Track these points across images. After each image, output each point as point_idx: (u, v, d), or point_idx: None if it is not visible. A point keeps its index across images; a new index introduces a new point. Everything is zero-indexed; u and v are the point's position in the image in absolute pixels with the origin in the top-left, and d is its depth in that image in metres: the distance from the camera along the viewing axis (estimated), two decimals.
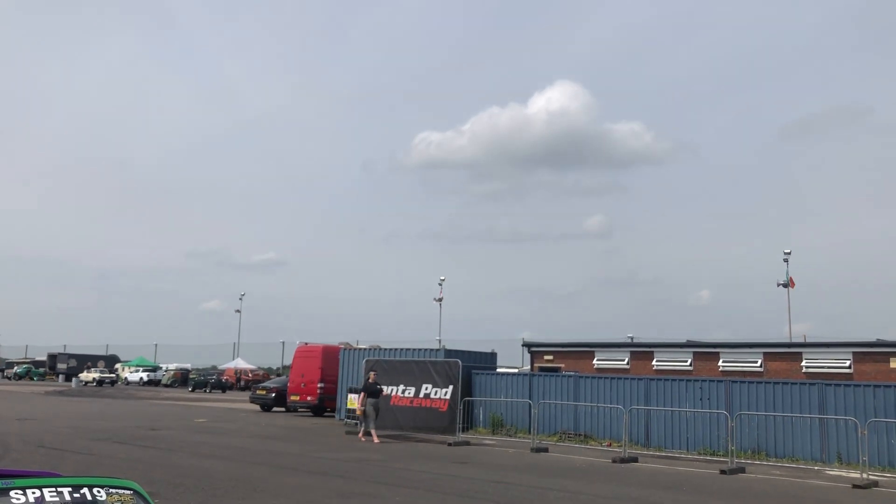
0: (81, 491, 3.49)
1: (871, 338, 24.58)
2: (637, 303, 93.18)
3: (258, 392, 33.75)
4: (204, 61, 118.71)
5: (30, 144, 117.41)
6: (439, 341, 47.38)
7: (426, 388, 21.79)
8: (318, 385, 29.63)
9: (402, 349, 26.62)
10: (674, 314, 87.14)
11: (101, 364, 70.22)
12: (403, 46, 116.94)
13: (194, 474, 12.44)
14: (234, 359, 69.41)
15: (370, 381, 20.78)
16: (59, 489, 3.43)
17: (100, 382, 58.10)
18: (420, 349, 26.19)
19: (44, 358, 73.41)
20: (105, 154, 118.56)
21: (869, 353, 23.35)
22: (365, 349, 29.58)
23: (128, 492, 3.66)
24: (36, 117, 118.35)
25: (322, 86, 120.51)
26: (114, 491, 3.61)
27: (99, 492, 3.55)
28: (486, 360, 26.85)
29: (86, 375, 60.47)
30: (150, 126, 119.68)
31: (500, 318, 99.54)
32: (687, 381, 21.36)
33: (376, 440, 19.59)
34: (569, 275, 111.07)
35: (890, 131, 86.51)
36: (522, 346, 30.85)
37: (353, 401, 23.91)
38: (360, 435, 20.36)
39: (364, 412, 20.23)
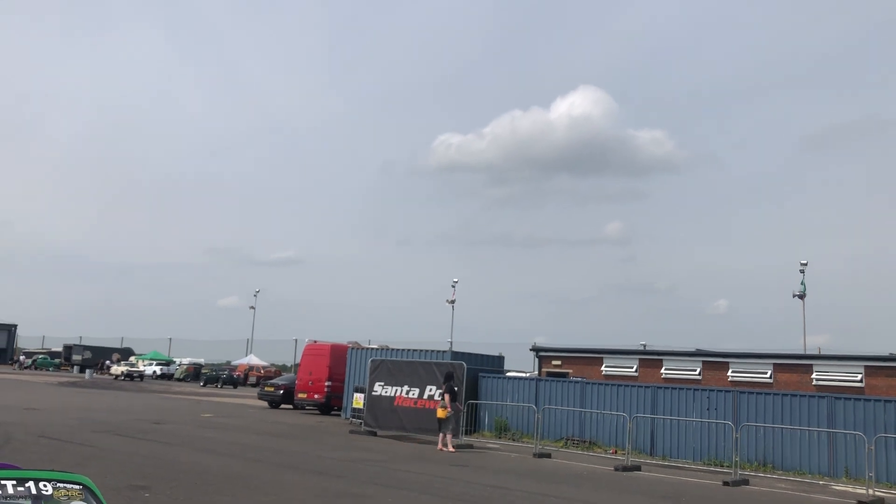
0: (27, 484, 3.45)
1: (885, 352, 24.24)
2: (653, 311, 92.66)
3: (266, 389, 33.80)
4: (226, 60, 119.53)
5: (52, 140, 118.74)
6: (450, 343, 47.33)
7: (430, 390, 21.67)
8: (326, 383, 29.62)
9: (408, 350, 26.56)
10: (690, 323, 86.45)
11: (115, 356, 70.76)
12: (427, 48, 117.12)
13: (190, 469, 12.43)
14: (247, 355, 69.73)
15: (453, 381, 20.15)
16: (2, 482, 3.38)
17: (129, 376, 57.14)
18: (427, 350, 26.12)
19: (60, 349, 74.17)
20: (127, 150, 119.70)
21: (881, 368, 22.99)
22: (374, 349, 29.56)
23: (76, 486, 3.61)
24: (58, 114, 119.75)
25: (344, 86, 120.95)
26: (61, 485, 3.56)
27: (45, 485, 3.51)
28: (494, 364, 26.73)
29: (115, 369, 59.90)
30: (171, 123, 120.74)
31: (515, 323, 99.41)
32: (694, 390, 21.12)
33: (451, 448, 18.71)
34: (585, 281, 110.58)
35: None
36: (531, 350, 30.72)
37: (359, 400, 23.87)
38: (449, 444, 18.92)
39: (447, 417, 19.16)
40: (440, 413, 19.39)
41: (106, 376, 61.62)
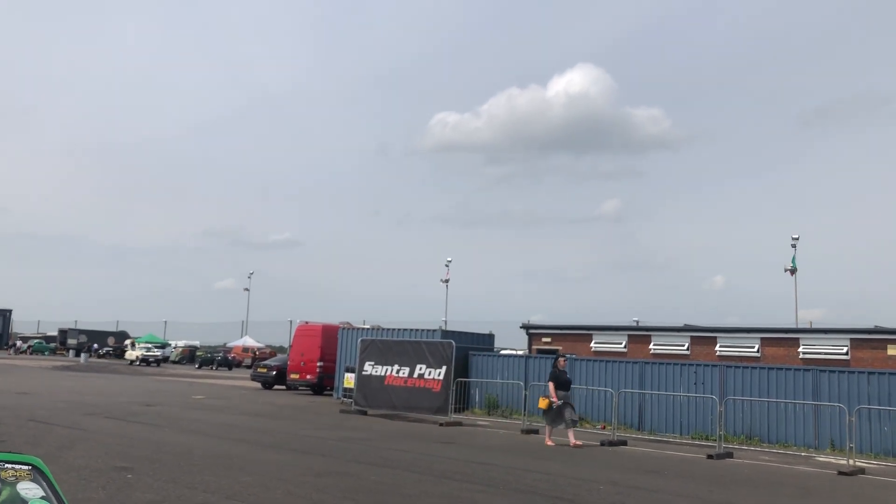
0: None
1: (872, 325, 24.41)
2: (650, 288, 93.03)
3: (259, 370, 33.97)
4: (221, 40, 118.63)
5: (47, 122, 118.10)
6: (444, 322, 47.53)
7: (420, 369, 21.78)
8: (318, 364, 29.79)
9: (399, 329, 26.64)
10: (687, 299, 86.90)
11: (111, 340, 70.86)
12: (424, 26, 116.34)
13: (175, 450, 12.51)
14: (242, 337, 69.92)
15: (560, 367, 17.62)
16: None
17: (145, 360, 54.88)
18: (417, 329, 26.21)
19: (55, 333, 74.32)
20: (122, 132, 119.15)
21: (866, 340, 23.18)
22: (366, 329, 29.66)
23: (26, 467, 3.64)
24: (54, 95, 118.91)
25: (340, 65, 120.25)
26: (10, 466, 3.59)
27: None
28: (484, 342, 26.87)
29: (130, 353, 57.73)
30: (167, 104, 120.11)
31: (513, 302, 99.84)
32: (681, 365, 21.27)
33: (574, 441, 16.29)
34: (583, 259, 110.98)
35: None
36: (521, 328, 30.85)
37: (350, 380, 23.97)
38: (570, 437, 16.50)
39: (550, 408, 16.76)
40: (541, 403, 17.08)
41: (97, 359, 61.55)
